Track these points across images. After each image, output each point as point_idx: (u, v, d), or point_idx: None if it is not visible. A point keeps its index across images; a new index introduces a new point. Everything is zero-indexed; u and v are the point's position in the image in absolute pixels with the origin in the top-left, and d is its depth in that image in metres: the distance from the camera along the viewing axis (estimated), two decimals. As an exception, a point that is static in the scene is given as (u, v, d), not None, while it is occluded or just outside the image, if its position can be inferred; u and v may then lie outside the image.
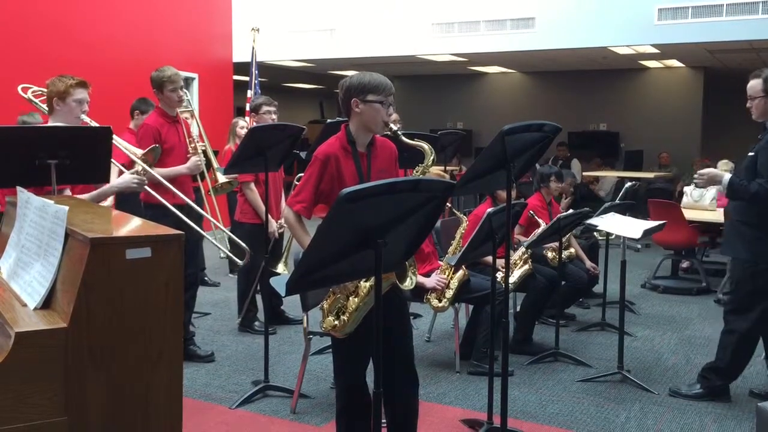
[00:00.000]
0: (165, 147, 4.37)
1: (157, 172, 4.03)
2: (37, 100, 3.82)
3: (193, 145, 4.54)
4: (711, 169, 4.03)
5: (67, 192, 3.37)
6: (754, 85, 3.85)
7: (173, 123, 4.51)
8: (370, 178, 2.79)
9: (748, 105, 3.90)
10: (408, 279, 2.67)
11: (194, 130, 4.91)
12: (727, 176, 3.87)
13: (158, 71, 4.46)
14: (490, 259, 4.60)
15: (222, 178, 4.85)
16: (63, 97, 3.49)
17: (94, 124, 3.69)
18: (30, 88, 3.79)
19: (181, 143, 4.52)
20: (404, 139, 2.86)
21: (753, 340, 4.03)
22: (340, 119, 2.92)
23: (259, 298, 5.35)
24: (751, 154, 3.87)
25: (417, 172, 2.90)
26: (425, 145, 2.85)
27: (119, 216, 2.61)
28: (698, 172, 4.08)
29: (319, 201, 2.84)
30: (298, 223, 2.85)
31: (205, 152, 4.67)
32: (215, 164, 4.93)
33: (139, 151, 4.00)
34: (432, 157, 2.86)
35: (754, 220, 3.83)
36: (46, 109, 3.63)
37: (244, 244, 4.36)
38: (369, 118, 2.77)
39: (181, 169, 4.44)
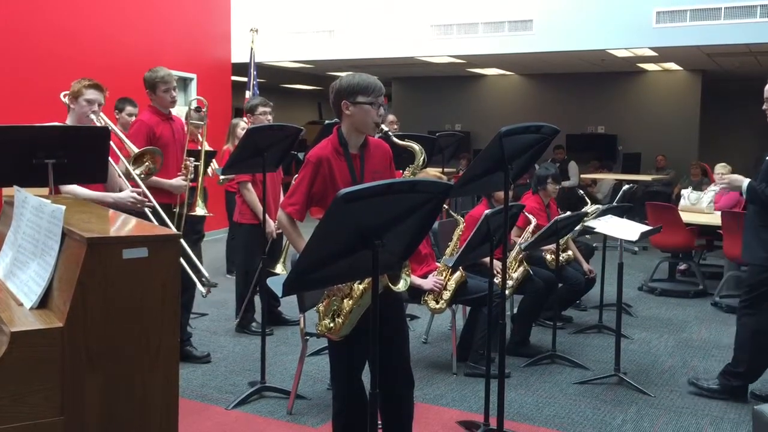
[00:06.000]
0: (159, 143, 4.36)
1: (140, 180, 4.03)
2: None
3: (185, 164, 4.53)
4: (732, 174, 4.14)
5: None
6: None
7: (167, 120, 4.51)
8: (363, 179, 2.79)
9: (764, 107, 3.95)
10: (402, 281, 2.66)
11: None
12: (747, 181, 3.95)
13: (151, 72, 4.46)
14: (486, 259, 4.61)
15: (201, 210, 4.83)
16: (76, 97, 3.68)
17: (103, 123, 3.71)
18: (68, 94, 3.86)
19: (175, 140, 4.51)
20: (395, 139, 2.86)
21: (766, 338, 4.05)
22: (338, 120, 2.93)
23: (257, 299, 5.35)
24: None
25: (408, 172, 2.90)
26: (416, 146, 2.86)
27: (116, 216, 2.60)
28: (722, 176, 4.19)
29: (312, 203, 2.84)
30: (291, 225, 2.85)
31: (196, 168, 4.67)
32: (199, 184, 4.86)
33: (136, 149, 4.00)
34: (422, 158, 2.86)
35: None
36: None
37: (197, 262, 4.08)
38: (359, 119, 2.78)
39: (163, 183, 4.38)
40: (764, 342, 4.05)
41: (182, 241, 4.05)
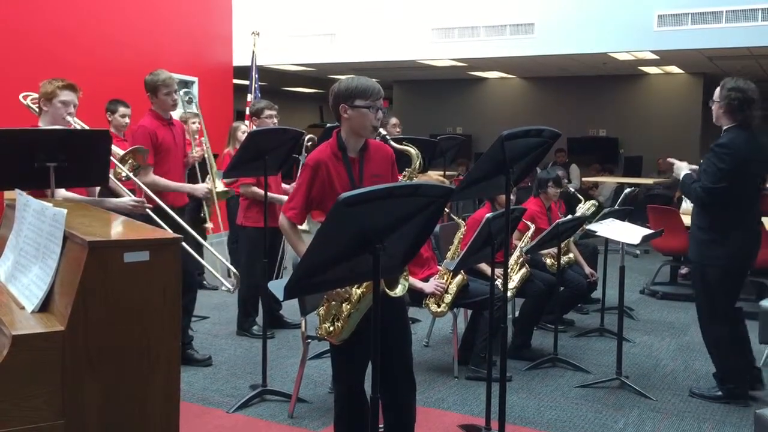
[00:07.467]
0: (161, 148, 4.38)
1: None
2: (34, 106, 3.82)
3: (208, 171, 4.58)
4: (677, 162, 4.31)
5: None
6: (717, 90, 4.23)
7: (168, 125, 4.52)
8: (362, 183, 2.79)
9: (710, 104, 4.25)
10: (399, 286, 2.64)
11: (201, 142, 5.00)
12: (684, 172, 4.15)
13: (152, 75, 4.45)
14: (484, 266, 4.61)
15: (220, 186, 4.85)
16: (50, 98, 3.52)
17: (78, 126, 3.69)
18: (30, 95, 3.79)
19: (177, 145, 4.53)
20: (392, 143, 2.86)
21: (733, 341, 4.09)
22: (339, 124, 2.93)
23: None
24: (702, 161, 4.15)
25: (404, 176, 2.90)
26: (412, 150, 2.86)
27: (117, 219, 2.61)
28: (668, 160, 4.35)
29: (312, 207, 2.85)
30: (291, 229, 2.85)
31: (202, 163, 4.70)
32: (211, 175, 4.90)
33: (121, 151, 3.99)
34: (419, 161, 2.87)
35: (705, 225, 4.06)
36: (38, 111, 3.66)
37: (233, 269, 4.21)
38: (357, 123, 2.78)
39: (185, 187, 4.51)
40: (728, 347, 4.11)
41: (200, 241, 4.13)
